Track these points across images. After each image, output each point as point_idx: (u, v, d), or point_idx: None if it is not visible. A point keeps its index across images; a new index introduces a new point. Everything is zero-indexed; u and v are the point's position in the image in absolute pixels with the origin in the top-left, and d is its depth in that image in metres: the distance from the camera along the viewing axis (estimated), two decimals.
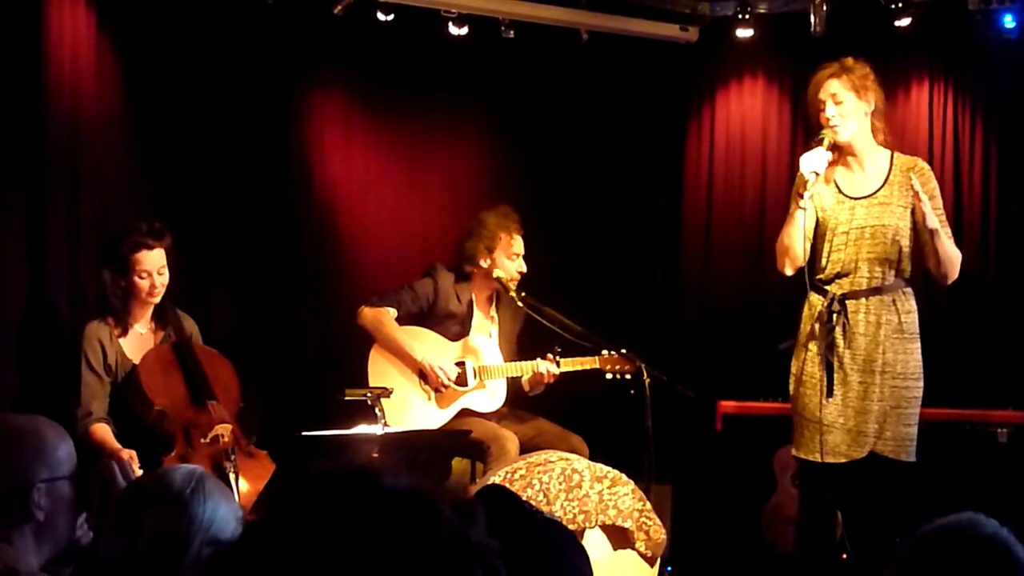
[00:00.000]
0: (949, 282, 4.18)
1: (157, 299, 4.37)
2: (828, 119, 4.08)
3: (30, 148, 4.63)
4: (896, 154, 4.21)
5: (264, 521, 1.11)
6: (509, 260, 5.00)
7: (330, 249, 5.73)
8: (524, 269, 5.02)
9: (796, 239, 4.08)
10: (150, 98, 5.10)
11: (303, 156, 5.67)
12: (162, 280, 4.34)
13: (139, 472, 3.94)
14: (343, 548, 1.04)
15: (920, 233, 4.08)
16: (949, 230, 4.11)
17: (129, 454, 3.99)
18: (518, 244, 5.01)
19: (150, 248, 4.29)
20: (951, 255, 4.07)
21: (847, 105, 4.08)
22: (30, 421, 2.20)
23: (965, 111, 5.77)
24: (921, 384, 4.11)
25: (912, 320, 4.11)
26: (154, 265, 4.30)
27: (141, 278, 4.29)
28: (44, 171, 4.66)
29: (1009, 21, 5.44)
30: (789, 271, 4.17)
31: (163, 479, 1.99)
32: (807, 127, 5.43)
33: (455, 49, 5.73)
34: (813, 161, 4.02)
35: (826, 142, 4.07)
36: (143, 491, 2.01)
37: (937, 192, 4.15)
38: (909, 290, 4.14)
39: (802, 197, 4.03)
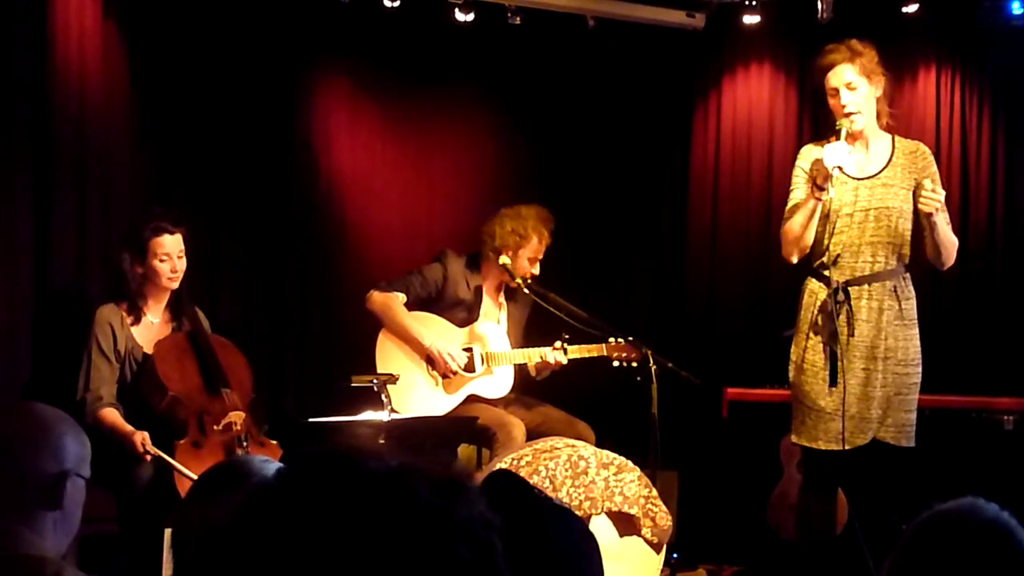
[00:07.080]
0: (945, 268, 4.16)
1: (175, 284, 4.39)
2: (844, 107, 3.99)
3: (36, 135, 4.64)
4: (896, 137, 4.18)
5: (248, 503, 1.11)
6: (528, 262, 5.00)
7: (336, 235, 5.73)
8: (537, 272, 5.03)
9: (810, 229, 4.03)
10: (156, 84, 5.11)
11: (309, 143, 5.67)
12: (181, 265, 4.38)
13: (153, 450, 4.00)
14: (315, 528, 1.05)
15: (921, 217, 4.03)
16: (947, 215, 4.07)
17: (142, 435, 4.02)
18: (542, 251, 5.02)
19: (171, 233, 4.35)
20: (950, 241, 4.05)
21: (861, 91, 4.00)
22: (62, 413, 2.16)
23: (972, 98, 5.74)
24: (920, 370, 4.10)
25: (912, 307, 4.09)
26: (173, 249, 4.35)
27: (162, 261, 4.33)
28: (51, 157, 4.68)
29: (1017, 7, 5.42)
30: (795, 259, 4.13)
31: (246, 464, 2.00)
32: (814, 113, 5.44)
33: (461, 35, 5.72)
34: (837, 155, 3.92)
35: (844, 133, 3.97)
36: (230, 472, 2.00)
37: (938, 177, 4.11)
38: (908, 275, 4.11)
39: (823, 190, 3.95)
